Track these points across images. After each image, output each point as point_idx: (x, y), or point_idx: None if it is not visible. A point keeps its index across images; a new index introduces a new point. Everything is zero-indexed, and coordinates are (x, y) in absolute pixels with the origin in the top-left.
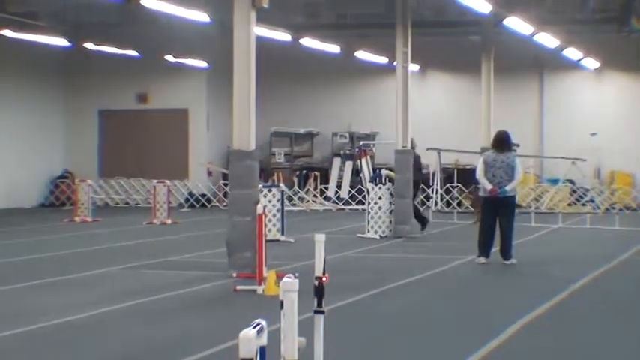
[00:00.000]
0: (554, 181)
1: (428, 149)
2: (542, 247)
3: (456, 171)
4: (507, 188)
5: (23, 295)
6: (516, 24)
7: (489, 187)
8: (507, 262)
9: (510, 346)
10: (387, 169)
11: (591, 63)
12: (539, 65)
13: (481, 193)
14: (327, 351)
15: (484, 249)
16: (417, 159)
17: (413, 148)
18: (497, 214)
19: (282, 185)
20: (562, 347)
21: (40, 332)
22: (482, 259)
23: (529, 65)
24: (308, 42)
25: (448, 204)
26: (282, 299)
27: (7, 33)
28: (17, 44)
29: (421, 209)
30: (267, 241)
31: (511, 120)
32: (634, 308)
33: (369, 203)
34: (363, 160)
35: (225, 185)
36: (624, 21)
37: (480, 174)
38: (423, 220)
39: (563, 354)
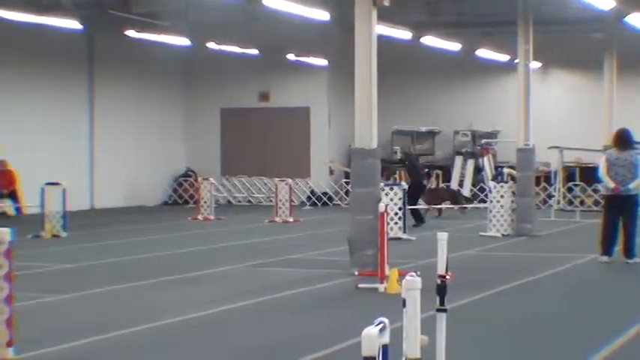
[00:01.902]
0: None
1: (549, 147)
2: None
3: (578, 169)
4: (631, 186)
5: (146, 292)
6: (639, 20)
7: (612, 184)
8: (631, 260)
9: (634, 346)
10: (508, 167)
11: None
12: None
13: (604, 192)
14: (449, 350)
15: (606, 248)
16: (417, 164)
17: (409, 155)
18: (620, 213)
19: (403, 183)
20: None
21: (163, 329)
22: (604, 258)
23: None
24: (428, 40)
25: (570, 202)
26: (405, 297)
27: (131, 33)
28: (140, 44)
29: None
30: (389, 239)
31: (633, 117)
32: None
33: (490, 201)
34: (485, 159)
35: (347, 183)
36: None
37: (603, 172)
38: (419, 218)
39: None
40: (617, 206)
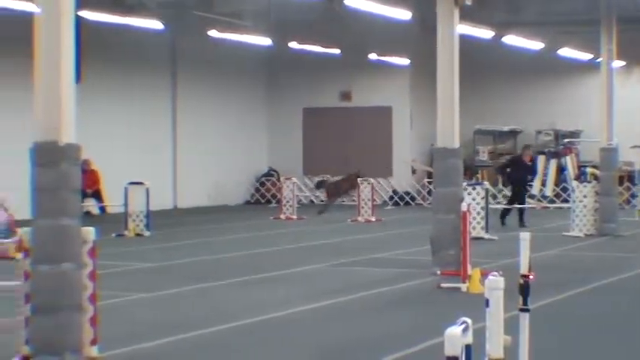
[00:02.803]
0: None
1: (632, 147)
2: None
3: None
4: None
5: (228, 291)
6: None
7: None
8: None
9: None
10: (591, 166)
11: None
12: None
13: None
14: (532, 350)
15: None
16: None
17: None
18: None
19: (486, 183)
20: None
21: (243, 329)
22: None
23: None
24: (510, 39)
25: None
26: (488, 297)
27: (213, 33)
28: (222, 44)
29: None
30: (471, 238)
31: None
32: None
33: (573, 201)
34: (568, 158)
35: (429, 183)
36: None
37: None
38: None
39: None
40: None
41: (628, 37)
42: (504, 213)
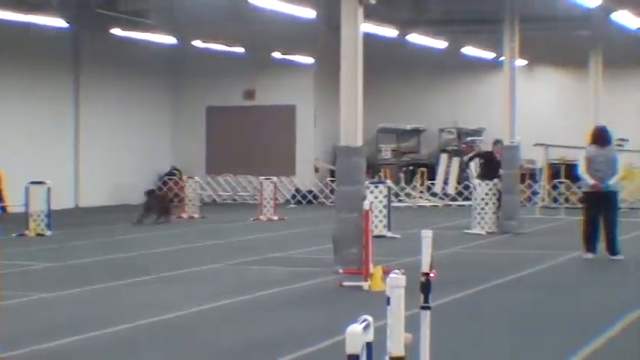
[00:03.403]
0: None
1: (535, 145)
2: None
3: (563, 166)
4: (611, 182)
5: (127, 291)
6: (625, 18)
7: (592, 181)
8: (614, 257)
9: (617, 343)
10: None
11: None
12: None
13: (584, 189)
14: (433, 347)
15: (590, 244)
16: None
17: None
18: (600, 209)
19: (388, 181)
20: None
21: (141, 329)
22: (589, 255)
23: (638, 60)
24: (414, 38)
25: (555, 200)
26: (389, 295)
27: (117, 32)
28: (126, 43)
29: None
30: (373, 237)
31: (619, 115)
32: None
33: (475, 199)
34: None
35: (332, 181)
36: None
37: (582, 169)
38: None
39: None
40: (597, 203)
41: (530, 36)
42: None
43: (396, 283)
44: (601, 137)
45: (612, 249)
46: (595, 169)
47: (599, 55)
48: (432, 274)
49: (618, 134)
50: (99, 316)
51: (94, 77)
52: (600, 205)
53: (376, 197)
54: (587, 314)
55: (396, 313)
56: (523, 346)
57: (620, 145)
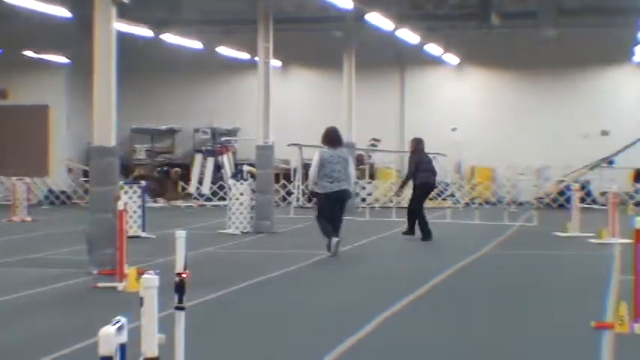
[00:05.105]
0: None
1: (289, 145)
2: (402, 242)
3: None
4: (350, 186)
5: None
6: (378, 20)
7: (318, 189)
8: (336, 238)
9: (368, 342)
10: (248, 164)
11: (452, 59)
12: (401, 61)
13: (321, 190)
14: (188, 348)
15: (331, 235)
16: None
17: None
18: (335, 205)
19: (143, 182)
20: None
21: None
22: (334, 240)
23: (391, 61)
24: (170, 38)
25: (309, 199)
26: (142, 296)
27: None
28: None
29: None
30: (128, 237)
31: (373, 115)
32: (483, 308)
33: (230, 199)
34: (225, 156)
35: (86, 182)
36: (484, 17)
37: (314, 170)
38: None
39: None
40: (333, 201)
41: (284, 36)
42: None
43: (149, 284)
44: (334, 138)
45: (336, 231)
46: (331, 169)
47: (352, 55)
48: (185, 275)
49: (372, 134)
50: None
51: None
52: (336, 202)
53: (130, 197)
54: (342, 313)
55: (150, 314)
56: (279, 344)
57: (373, 145)
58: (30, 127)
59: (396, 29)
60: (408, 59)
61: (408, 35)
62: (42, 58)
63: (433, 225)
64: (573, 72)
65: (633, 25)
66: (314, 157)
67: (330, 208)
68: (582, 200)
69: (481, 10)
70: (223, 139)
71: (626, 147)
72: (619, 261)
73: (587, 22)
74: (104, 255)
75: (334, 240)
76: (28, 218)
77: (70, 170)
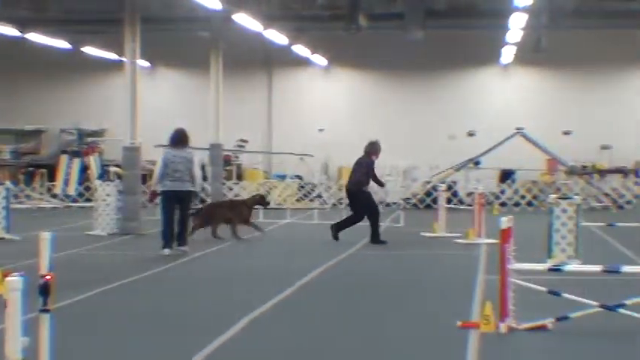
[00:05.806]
0: (283, 177)
1: (156, 146)
2: (269, 244)
3: None
4: (195, 187)
5: None
6: (245, 20)
7: (159, 186)
8: (183, 248)
9: (235, 344)
10: (115, 165)
11: (320, 60)
12: (269, 62)
13: (161, 188)
14: (55, 350)
15: (168, 241)
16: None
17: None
18: (174, 204)
19: (7, 182)
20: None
21: None
22: (166, 251)
23: (258, 61)
24: (36, 37)
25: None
26: (6, 299)
27: None
28: None
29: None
30: None
31: (240, 116)
32: (344, 308)
33: (96, 200)
34: (91, 157)
35: None
36: (352, 18)
37: (157, 170)
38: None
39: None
40: (173, 199)
41: (152, 37)
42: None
43: (12, 286)
44: (179, 139)
45: (182, 241)
46: (174, 169)
47: (219, 56)
48: (49, 277)
49: (240, 135)
50: None
51: None
52: (176, 204)
53: None
54: (212, 314)
55: (13, 317)
56: (148, 346)
57: (241, 146)
58: None
59: (263, 30)
60: (276, 60)
61: (276, 36)
62: None
63: (300, 226)
64: (441, 73)
65: (501, 28)
66: (159, 158)
67: (169, 207)
68: (449, 201)
69: (349, 12)
70: (90, 139)
71: (493, 148)
72: (485, 261)
73: (455, 24)
74: None
75: (165, 251)
76: None
77: None
